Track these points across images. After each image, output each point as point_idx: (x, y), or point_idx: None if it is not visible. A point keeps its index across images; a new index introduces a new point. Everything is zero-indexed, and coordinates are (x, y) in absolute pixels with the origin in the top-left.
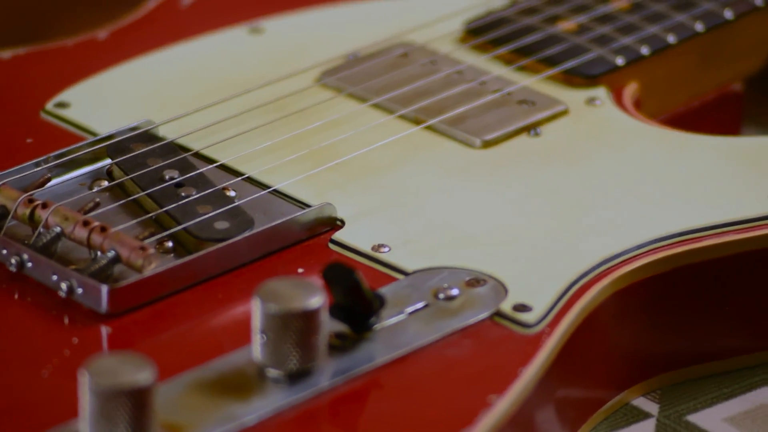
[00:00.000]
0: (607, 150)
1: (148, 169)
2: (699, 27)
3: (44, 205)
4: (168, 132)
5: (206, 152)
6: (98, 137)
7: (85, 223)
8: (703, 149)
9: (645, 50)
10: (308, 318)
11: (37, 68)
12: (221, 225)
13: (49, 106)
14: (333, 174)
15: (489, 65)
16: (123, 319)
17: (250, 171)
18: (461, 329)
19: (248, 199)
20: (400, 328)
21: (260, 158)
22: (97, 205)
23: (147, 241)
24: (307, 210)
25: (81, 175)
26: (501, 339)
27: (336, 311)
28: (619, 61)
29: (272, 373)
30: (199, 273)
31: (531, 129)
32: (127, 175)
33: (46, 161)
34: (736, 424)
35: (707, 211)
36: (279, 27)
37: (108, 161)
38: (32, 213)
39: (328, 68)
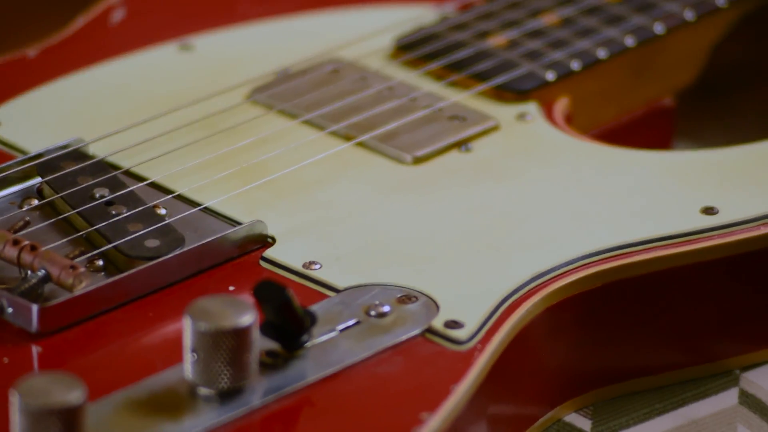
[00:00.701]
0: (538, 165)
1: (79, 188)
2: (629, 41)
3: None
4: (98, 150)
5: (137, 170)
6: (28, 156)
7: (15, 242)
8: (634, 164)
9: (575, 65)
10: (239, 336)
11: None
12: (152, 243)
13: None
14: (264, 191)
15: (420, 81)
16: (54, 339)
17: (180, 188)
18: (393, 346)
19: (179, 216)
20: (332, 345)
21: (191, 176)
22: (27, 224)
23: (78, 260)
24: (238, 227)
25: (11, 194)
26: (433, 356)
27: (267, 329)
28: (550, 76)
29: (204, 391)
30: (130, 291)
31: (462, 145)
32: (58, 193)
33: None
34: None
35: (638, 226)
36: (209, 44)
37: (38, 180)
38: None
39: (258, 85)
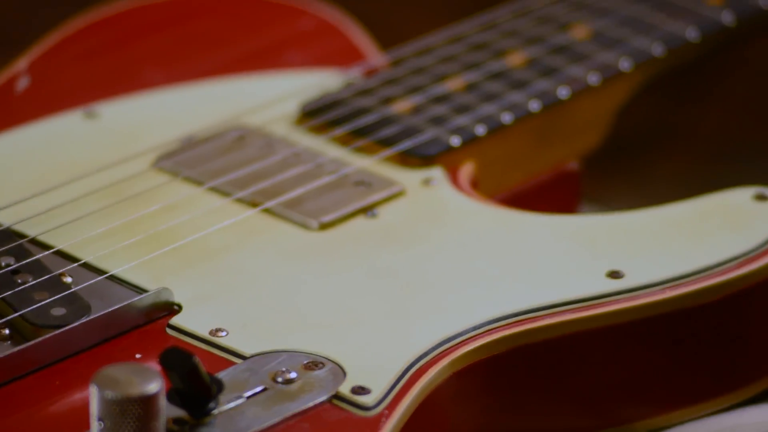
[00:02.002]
0: (444, 230)
1: None
2: (534, 106)
3: None
4: (4, 218)
5: (42, 238)
6: None
7: None
8: (540, 228)
9: (480, 130)
10: (146, 404)
11: None
12: (58, 311)
13: None
14: (170, 258)
15: (325, 147)
16: None
17: (86, 256)
18: (300, 412)
19: (85, 285)
20: (239, 412)
21: (97, 243)
22: None
23: None
24: (144, 295)
25: None
26: (340, 422)
27: (174, 396)
28: (455, 141)
29: None
30: (36, 360)
31: (368, 210)
32: None
33: None
34: None
35: (545, 290)
36: (114, 111)
37: None
38: None
39: (163, 152)
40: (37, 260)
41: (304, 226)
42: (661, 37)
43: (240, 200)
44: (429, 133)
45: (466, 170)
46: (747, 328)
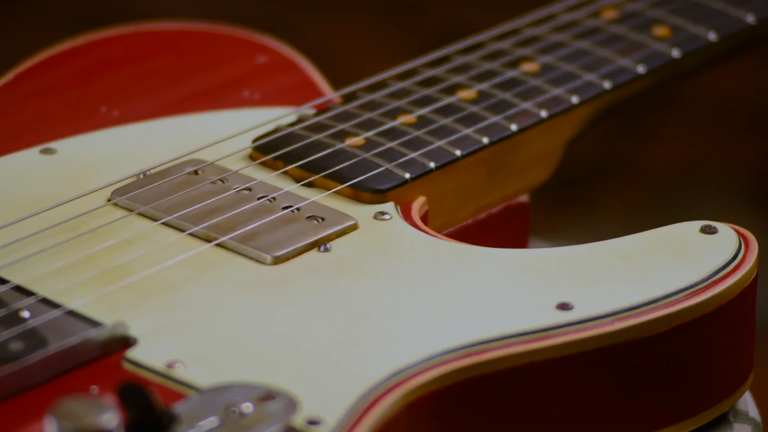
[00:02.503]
0: (396, 264)
1: None
2: (485, 140)
3: None
4: None
5: (0, 273)
6: None
7: None
8: (490, 261)
9: (432, 164)
10: None
11: None
12: (15, 346)
13: None
14: (126, 292)
15: (279, 182)
16: None
17: (43, 291)
18: None
19: (42, 319)
20: None
21: (54, 278)
22: None
23: None
24: (100, 329)
25: None
26: None
27: (131, 429)
28: (407, 175)
29: None
30: None
31: (321, 244)
32: None
33: None
34: None
35: (495, 322)
36: (70, 147)
37: None
38: None
39: (119, 187)
40: None
41: (258, 260)
42: (609, 71)
43: (194, 235)
44: (381, 168)
45: (418, 204)
46: (696, 358)
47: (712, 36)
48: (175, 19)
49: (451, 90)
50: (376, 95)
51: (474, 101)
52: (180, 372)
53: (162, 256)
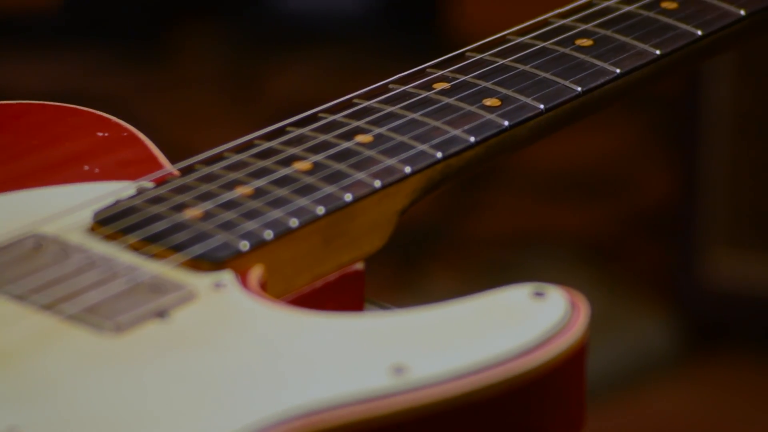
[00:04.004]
0: (234, 332)
1: None
2: (320, 210)
3: None
4: None
5: None
6: None
7: None
8: (325, 328)
9: (268, 235)
10: None
11: None
12: None
13: None
14: None
15: (119, 253)
16: None
17: None
18: None
19: None
20: None
21: None
22: None
23: None
24: None
25: None
26: None
27: None
28: (244, 245)
29: None
30: None
31: (161, 314)
32: None
33: None
34: None
35: (330, 388)
36: None
37: None
38: None
39: None
40: None
41: (98, 331)
42: (440, 141)
43: (35, 306)
44: (219, 239)
45: (255, 273)
46: (524, 421)
47: (541, 106)
48: (15, 98)
49: (287, 162)
50: (214, 168)
51: (309, 172)
52: None
53: (0, 328)
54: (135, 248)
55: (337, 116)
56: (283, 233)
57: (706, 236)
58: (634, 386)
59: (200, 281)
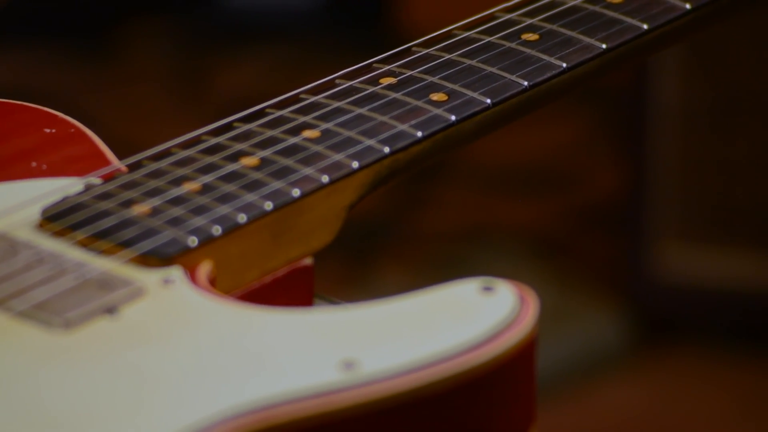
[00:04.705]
0: (182, 327)
1: None
2: (268, 206)
3: None
4: None
5: None
6: None
7: None
8: (275, 322)
9: (216, 230)
10: None
11: None
12: None
13: None
14: None
15: (68, 250)
16: None
17: None
18: None
19: None
20: None
21: None
22: None
23: None
24: None
25: None
26: None
27: None
28: (192, 241)
29: None
30: None
31: (110, 310)
32: None
33: None
34: None
35: (280, 383)
36: None
37: None
38: None
39: None
40: None
41: (47, 327)
42: (387, 136)
43: None
44: (167, 235)
45: (204, 269)
46: (481, 413)
47: (488, 101)
48: None
49: (235, 157)
50: (162, 163)
51: (257, 168)
52: None
53: None
54: (83, 244)
55: (285, 112)
56: (232, 229)
57: (656, 230)
58: (586, 380)
59: (149, 277)
